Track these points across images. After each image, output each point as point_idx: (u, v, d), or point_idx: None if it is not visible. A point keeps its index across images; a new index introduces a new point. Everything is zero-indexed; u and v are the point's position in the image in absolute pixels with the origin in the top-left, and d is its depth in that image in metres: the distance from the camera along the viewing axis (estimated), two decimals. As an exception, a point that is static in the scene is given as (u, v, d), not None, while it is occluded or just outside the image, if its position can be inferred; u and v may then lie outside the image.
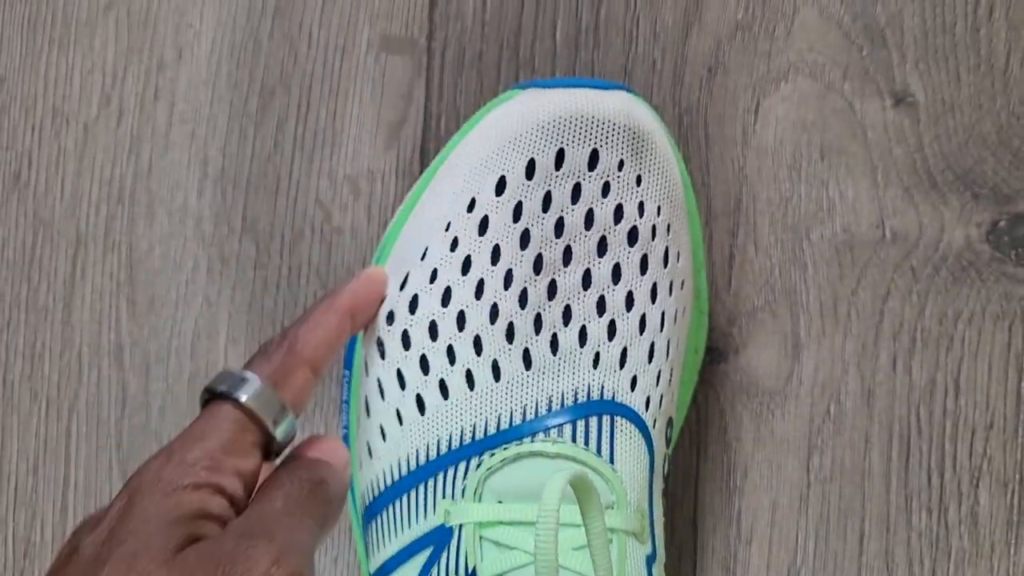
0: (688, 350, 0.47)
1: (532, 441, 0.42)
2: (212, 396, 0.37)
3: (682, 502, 0.51)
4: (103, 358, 0.51)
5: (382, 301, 0.44)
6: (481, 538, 0.41)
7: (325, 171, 0.51)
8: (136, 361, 0.51)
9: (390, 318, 0.44)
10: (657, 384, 0.44)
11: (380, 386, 0.45)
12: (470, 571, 0.41)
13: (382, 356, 0.44)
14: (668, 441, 0.46)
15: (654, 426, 0.44)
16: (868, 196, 0.50)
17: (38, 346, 0.51)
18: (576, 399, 0.43)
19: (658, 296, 0.44)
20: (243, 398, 0.36)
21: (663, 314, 0.45)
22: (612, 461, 0.42)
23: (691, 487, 0.51)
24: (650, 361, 0.44)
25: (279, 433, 0.37)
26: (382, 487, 0.44)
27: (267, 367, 0.38)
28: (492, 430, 0.43)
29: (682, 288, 0.46)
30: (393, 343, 0.44)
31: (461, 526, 0.42)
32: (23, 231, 0.51)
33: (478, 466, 0.42)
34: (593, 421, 0.43)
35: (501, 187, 0.43)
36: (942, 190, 0.50)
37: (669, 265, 0.45)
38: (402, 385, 0.44)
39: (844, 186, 0.50)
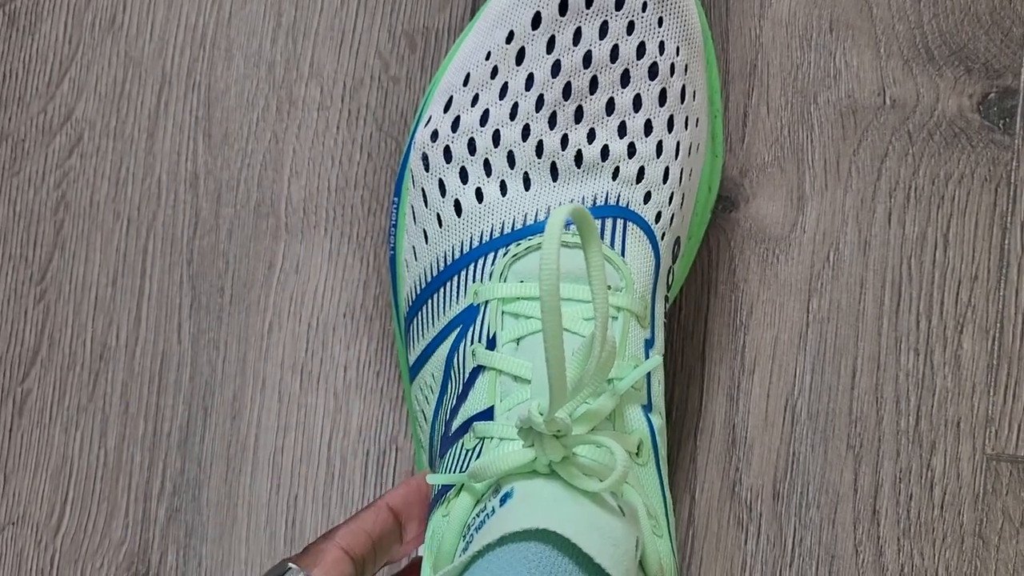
0: (701, 186, 0.53)
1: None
2: None
3: (692, 335, 0.56)
4: (180, 184, 0.57)
5: (424, 501, 0.47)
6: (503, 312, 0.47)
7: (386, 26, 0.57)
8: (209, 188, 0.57)
9: (434, 136, 0.50)
10: (669, 204, 0.50)
11: (424, 194, 0.50)
12: (491, 338, 0.46)
13: (426, 168, 0.50)
14: (675, 257, 0.51)
15: (662, 239, 0.49)
16: (871, 66, 0.56)
17: (123, 171, 0.57)
18: (595, 202, 0.48)
19: (675, 127, 0.50)
20: None
21: (678, 144, 0.50)
22: (623, 255, 0.48)
23: (701, 322, 0.56)
24: (664, 182, 0.50)
25: None
26: (423, 284, 0.50)
27: (306, 558, 0.44)
28: (519, 226, 0.48)
29: (697, 125, 0.51)
30: (436, 157, 0.50)
31: (487, 303, 0.47)
32: (115, 68, 0.57)
33: (505, 254, 0.48)
34: (608, 222, 0.48)
35: (537, 22, 0.49)
36: (938, 63, 0.56)
37: (686, 101, 0.50)
38: (443, 192, 0.50)
39: (850, 56, 0.56)
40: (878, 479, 0.55)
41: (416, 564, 0.49)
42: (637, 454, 0.45)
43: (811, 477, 0.55)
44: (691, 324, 0.56)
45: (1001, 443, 0.55)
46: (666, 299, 0.51)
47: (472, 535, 0.42)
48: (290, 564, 0.43)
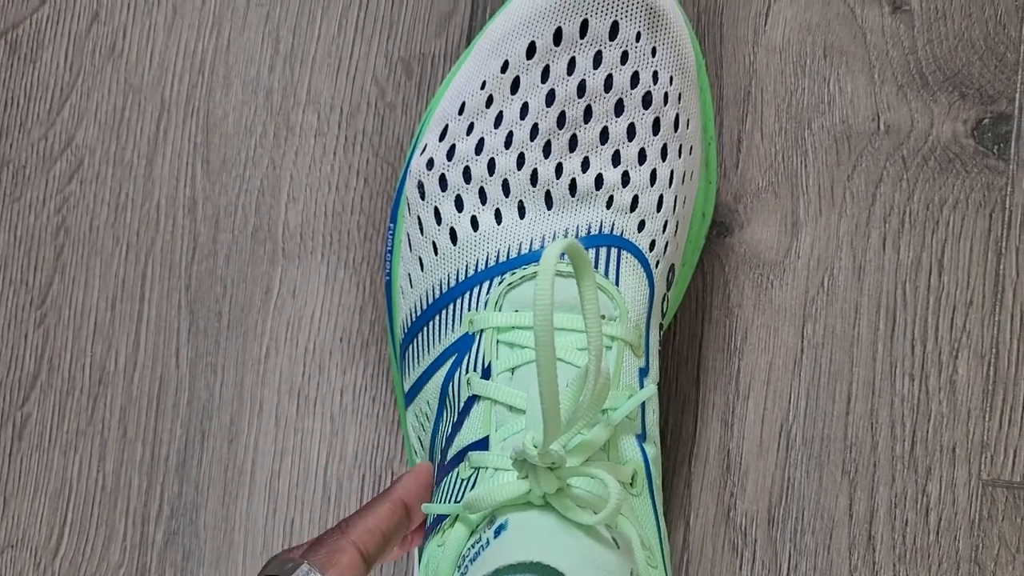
0: (695, 213, 0.53)
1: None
2: None
3: (687, 361, 0.56)
4: (178, 210, 0.58)
5: (428, 488, 0.47)
6: (498, 341, 0.47)
7: (382, 53, 0.57)
8: (207, 214, 0.58)
9: (430, 164, 0.50)
10: (663, 232, 0.50)
11: (420, 222, 0.51)
12: (486, 367, 0.47)
13: (422, 196, 0.51)
14: (669, 284, 0.51)
15: (656, 267, 0.50)
16: (865, 92, 0.56)
17: (122, 197, 0.58)
18: (589, 231, 0.49)
19: (668, 155, 0.50)
20: None
21: (672, 172, 0.50)
22: (617, 284, 0.48)
23: (695, 348, 0.56)
24: (658, 210, 0.50)
25: None
26: (419, 311, 0.50)
27: (319, 553, 0.43)
28: (514, 254, 0.48)
29: (691, 153, 0.51)
30: (432, 185, 0.50)
31: (482, 331, 0.47)
32: (115, 96, 0.58)
33: (500, 282, 0.48)
34: (603, 250, 0.48)
35: (531, 51, 0.49)
36: (933, 89, 0.56)
37: (679, 129, 0.50)
38: (438, 220, 0.50)
39: (844, 82, 0.56)
40: (874, 504, 0.55)
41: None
42: (631, 484, 0.45)
43: (806, 503, 0.55)
44: (685, 349, 0.56)
45: (997, 469, 0.55)
46: (660, 327, 0.51)
47: (467, 566, 0.42)
48: (305, 562, 0.42)
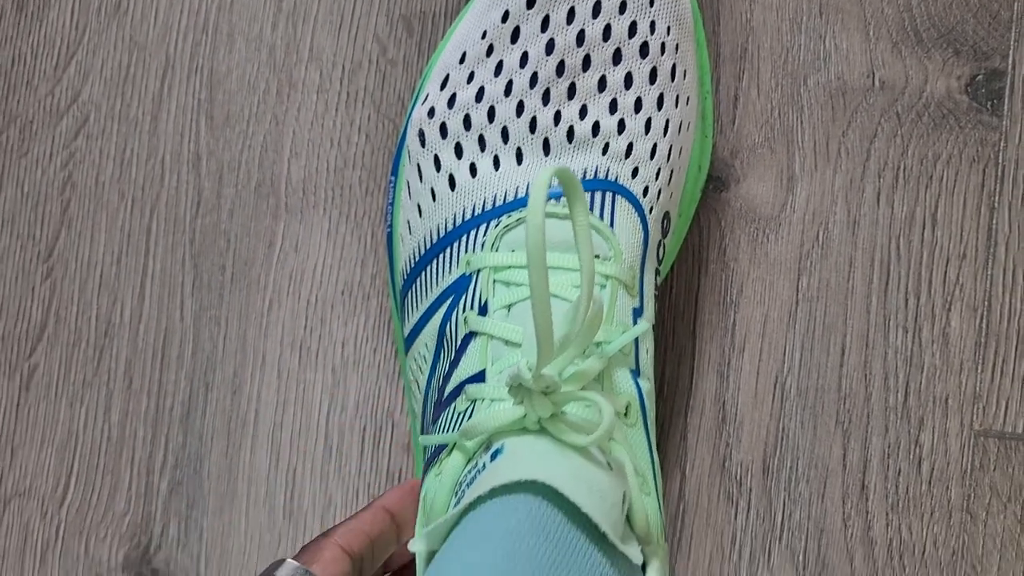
0: (691, 165, 0.54)
1: (548, 205, 0.49)
2: None
3: (683, 314, 0.57)
4: (183, 165, 0.59)
5: (418, 504, 0.48)
6: (494, 280, 0.48)
7: (384, 10, 0.58)
8: (211, 169, 0.58)
9: (431, 113, 0.51)
10: (656, 179, 0.51)
11: (420, 170, 0.52)
12: (483, 305, 0.48)
13: (422, 144, 0.51)
14: (664, 232, 0.52)
15: (650, 212, 0.51)
16: (860, 48, 0.57)
17: (127, 152, 0.59)
18: (585, 176, 0.49)
19: (664, 104, 0.51)
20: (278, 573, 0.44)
21: (667, 121, 0.51)
22: (612, 226, 0.49)
23: (692, 301, 0.57)
24: (651, 158, 0.51)
25: None
26: (418, 256, 0.51)
27: (303, 555, 0.45)
28: (511, 198, 0.49)
29: (687, 104, 0.52)
30: (432, 133, 0.51)
31: (479, 271, 0.48)
32: (120, 53, 0.59)
33: (496, 225, 0.49)
34: (598, 195, 0.49)
35: (532, 1, 0.50)
36: (927, 46, 0.56)
37: (676, 80, 0.51)
38: (438, 167, 0.51)
39: (839, 39, 0.57)
40: (867, 455, 0.56)
41: (410, 564, 0.50)
42: (626, 415, 0.46)
43: (800, 453, 0.56)
44: (682, 303, 0.57)
45: (989, 419, 0.55)
46: (657, 272, 0.52)
47: (463, 491, 0.43)
48: (287, 559, 0.44)
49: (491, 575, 0.37)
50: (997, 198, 0.56)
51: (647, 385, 0.48)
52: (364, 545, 0.46)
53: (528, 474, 0.39)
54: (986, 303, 0.56)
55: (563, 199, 0.49)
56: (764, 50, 0.57)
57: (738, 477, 0.56)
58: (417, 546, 0.43)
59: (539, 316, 0.39)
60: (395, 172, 0.54)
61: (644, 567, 0.43)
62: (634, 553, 0.42)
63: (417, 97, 0.52)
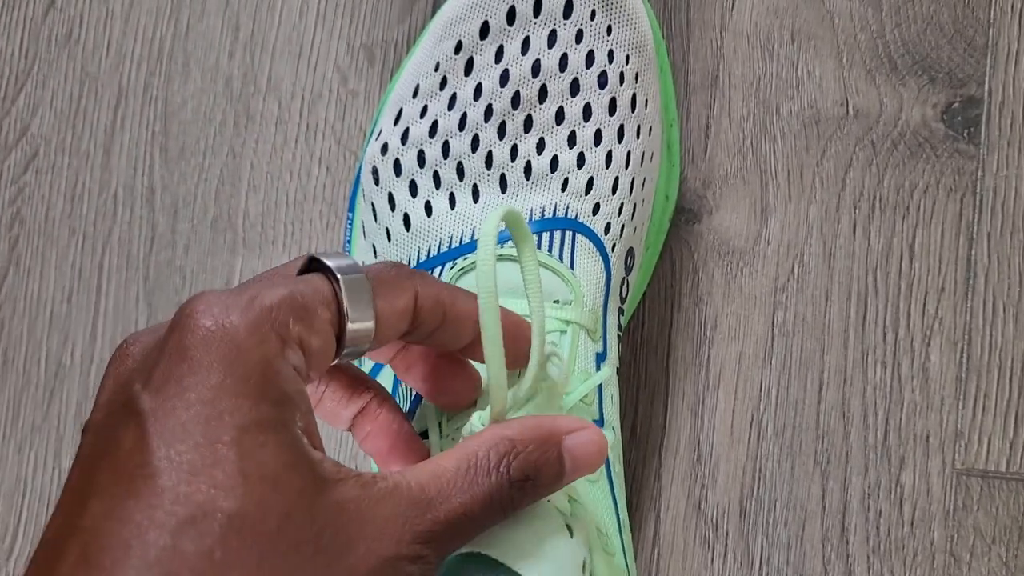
0: (658, 195, 0.52)
1: (502, 247, 0.47)
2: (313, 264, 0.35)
3: (656, 350, 0.55)
4: (136, 200, 0.56)
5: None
6: None
7: (344, 39, 0.56)
8: (166, 203, 0.56)
9: (384, 149, 0.49)
10: (619, 214, 0.49)
11: (374, 209, 0.50)
12: None
13: (376, 182, 0.49)
14: (628, 269, 0.50)
15: (613, 250, 0.49)
16: (834, 76, 0.55)
17: (78, 187, 0.57)
18: (543, 214, 0.48)
19: (625, 136, 0.49)
20: (338, 273, 0.34)
21: (629, 153, 0.49)
22: (572, 267, 0.47)
23: (665, 337, 0.55)
24: (613, 193, 0.49)
25: (350, 331, 0.34)
26: (373, 298, 0.49)
27: (376, 267, 0.36)
28: (467, 239, 0.47)
29: (650, 134, 0.50)
30: (386, 170, 0.49)
31: None
32: (71, 84, 0.57)
33: (452, 267, 0.47)
34: (557, 234, 0.47)
35: (485, 31, 0.48)
36: (901, 73, 0.55)
37: (637, 110, 0.49)
38: (392, 207, 0.49)
39: (812, 67, 0.55)
40: (846, 495, 0.54)
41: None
42: None
43: (778, 494, 0.54)
44: (655, 339, 0.55)
45: (971, 458, 0.54)
46: (620, 312, 0.50)
47: None
48: (355, 263, 0.35)
49: None
50: (975, 228, 0.54)
51: (611, 436, 0.45)
52: (435, 322, 0.37)
53: (477, 546, 0.37)
54: (966, 336, 0.54)
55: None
56: (735, 78, 0.55)
57: (714, 519, 0.54)
58: None
59: (492, 366, 0.37)
60: (352, 208, 0.52)
61: None
62: None
63: (372, 132, 0.51)
